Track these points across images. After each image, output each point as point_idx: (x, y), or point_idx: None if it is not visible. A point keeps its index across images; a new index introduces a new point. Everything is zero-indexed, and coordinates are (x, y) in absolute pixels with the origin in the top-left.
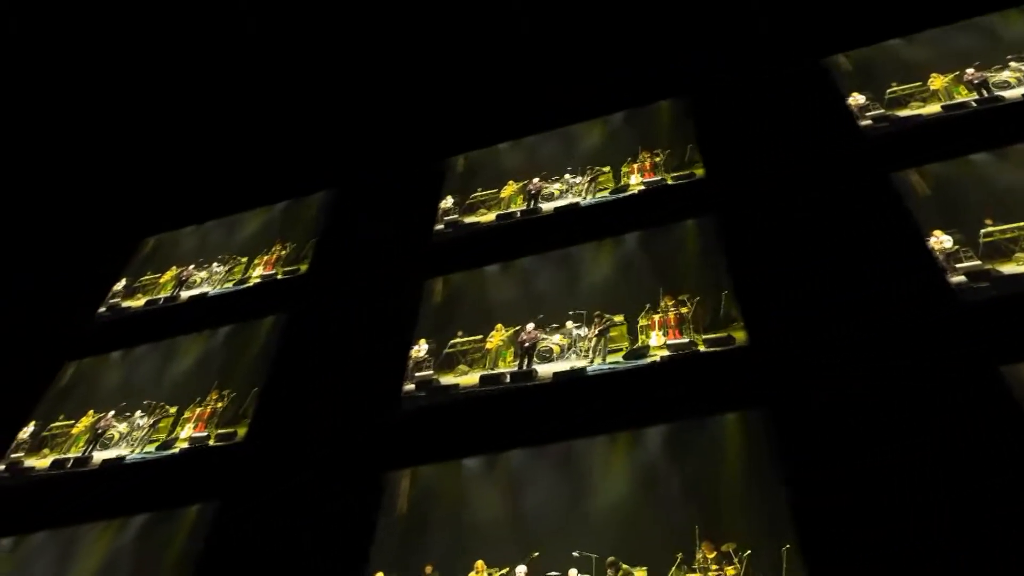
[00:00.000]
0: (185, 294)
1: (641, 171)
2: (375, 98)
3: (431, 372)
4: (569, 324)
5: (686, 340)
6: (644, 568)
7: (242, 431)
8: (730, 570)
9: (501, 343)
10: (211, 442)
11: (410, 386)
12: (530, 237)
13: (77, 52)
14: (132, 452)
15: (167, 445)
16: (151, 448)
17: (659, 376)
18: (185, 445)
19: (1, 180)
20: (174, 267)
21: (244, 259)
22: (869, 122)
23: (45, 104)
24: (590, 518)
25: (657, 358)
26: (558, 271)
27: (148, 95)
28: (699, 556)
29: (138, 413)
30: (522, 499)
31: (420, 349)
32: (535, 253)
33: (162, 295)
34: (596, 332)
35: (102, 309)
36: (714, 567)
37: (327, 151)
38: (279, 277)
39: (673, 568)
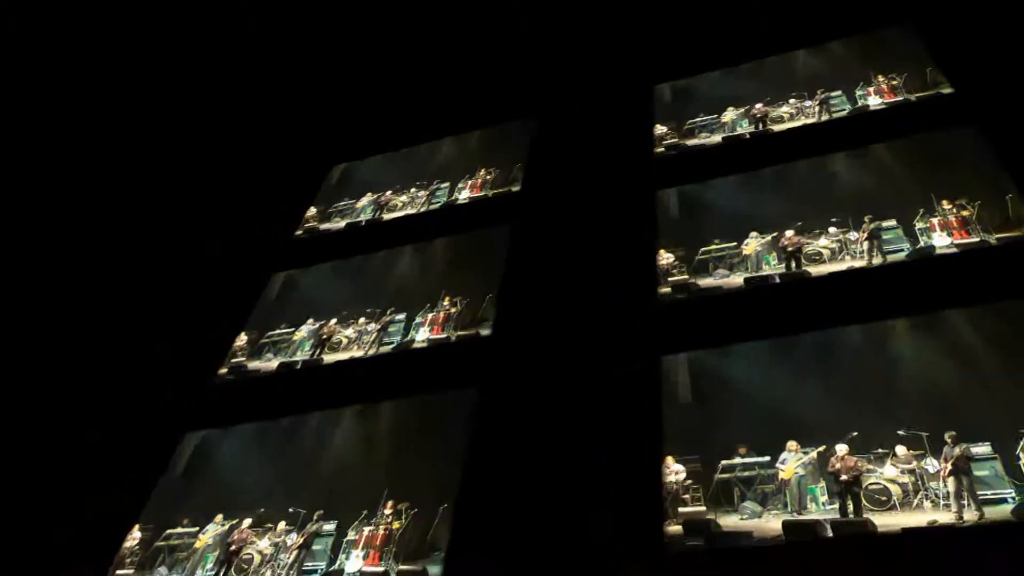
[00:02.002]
0: (387, 216)
1: (879, 93)
2: (568, 26)
3: (686, 276)
4: (832, 229)
5: (976, 239)
6: (987, 443)
7: (485, 332)
8: None
9: (760, 248)
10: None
11: (666, 289)
12: (765, 153)
13: None
14: (366, 353)
15: (404, 347)
16: (386, 350)
17: (951, 268)
18: (424, 346)
19: (196, 110)
20: (369, 193)
21: (446, 184)
22: None
23: (237, 43)
24: (908, 398)
25: (946, 248)
26: (804, 182)
27: (341, 29)
28: None
29: (362, 320)
30: (825, 381)
31: (665, 257)
32: (773, 165)
33: (363, 218)
34: (866, 235)
35: (299, 232)
36: None
37: (520, 81)
38: (490, 197)
39: (1022, 443)
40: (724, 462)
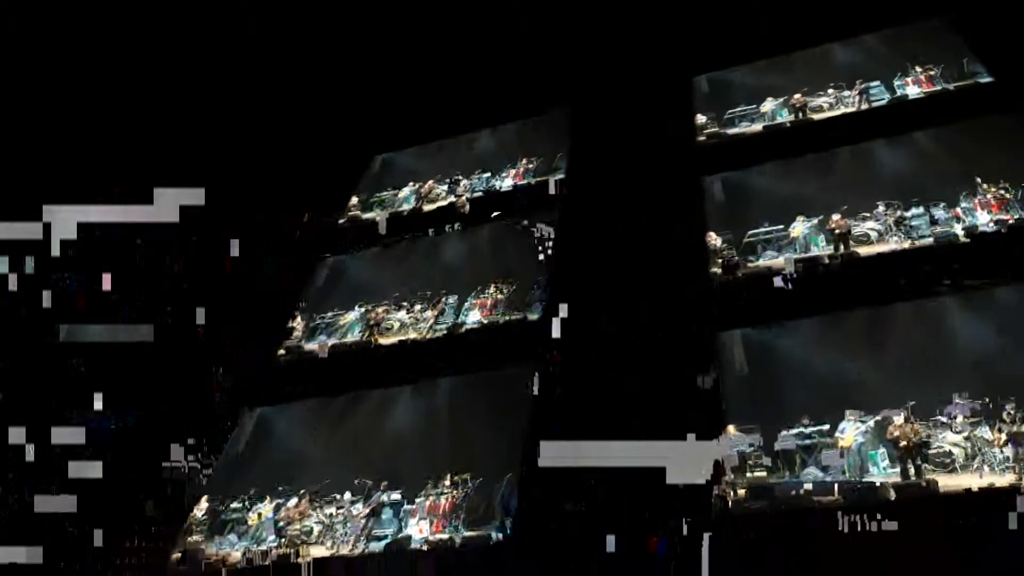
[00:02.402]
0: (428, 207)
1: (917, 83)
2: (602, 19)
3: (735, 257)
4: (880, 209)
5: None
6: None
7: (533, 316)
8: None
9: (807, 231)
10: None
11: (716, 269)
12: (807, 141)
13: None
14: (423, 337)
15: (454, 328)
16: (440, 333)
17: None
18: (474, 327)
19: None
20: (410, 183)
21: (487, 174)
22: None
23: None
24: (958, 368)
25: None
26: (847, 168)
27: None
28: None
29: (417, 306)
30: (880, 354)
31: (714, 239)
32: (815, 152)
33: (404, 208)
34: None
35: (342, 221)
36: None
37: (555, 74)
38: (533, 184)
39: None
40: (784, 432)
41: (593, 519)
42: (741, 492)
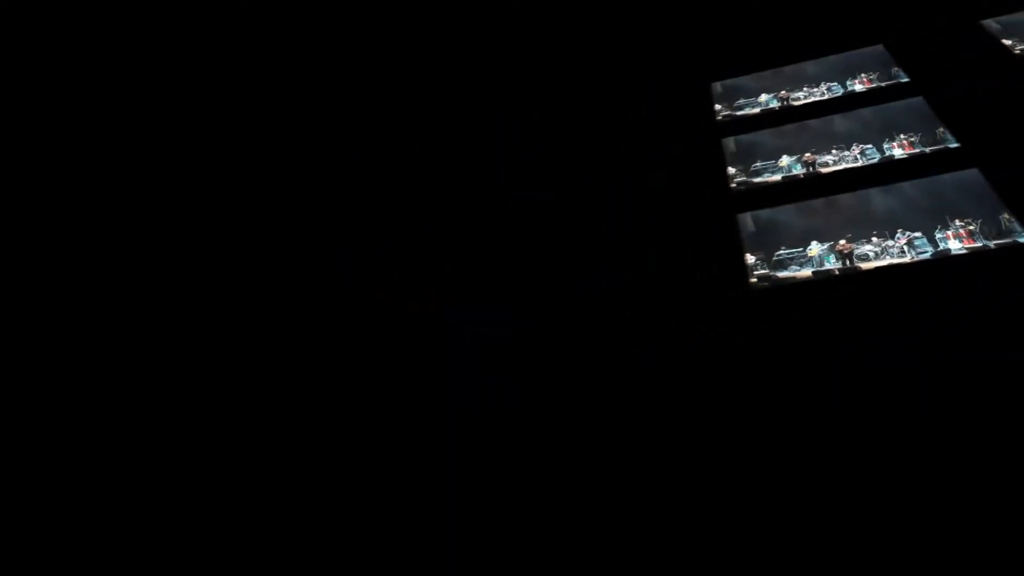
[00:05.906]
0: (795, 103)
1: None
2: None
3: None
4: None
5: None
6: None
7: (952, 144)
8: None
9: None
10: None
11: None
12: None
13: None
14: (862, 165)
15: (887, 159)
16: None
17: None
18: (904, 157)
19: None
20: (763, 93)
21: (834, 83)
22: None
23: None
24: None
25: None
26: None
27: None
28: None
29: (834, 151)
30: None
31: None
32: None
33: (772, 106)
34: None
35: (719, 117)
36: None
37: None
38: (884, 88)
39: None
40: None
41: None
42: None
